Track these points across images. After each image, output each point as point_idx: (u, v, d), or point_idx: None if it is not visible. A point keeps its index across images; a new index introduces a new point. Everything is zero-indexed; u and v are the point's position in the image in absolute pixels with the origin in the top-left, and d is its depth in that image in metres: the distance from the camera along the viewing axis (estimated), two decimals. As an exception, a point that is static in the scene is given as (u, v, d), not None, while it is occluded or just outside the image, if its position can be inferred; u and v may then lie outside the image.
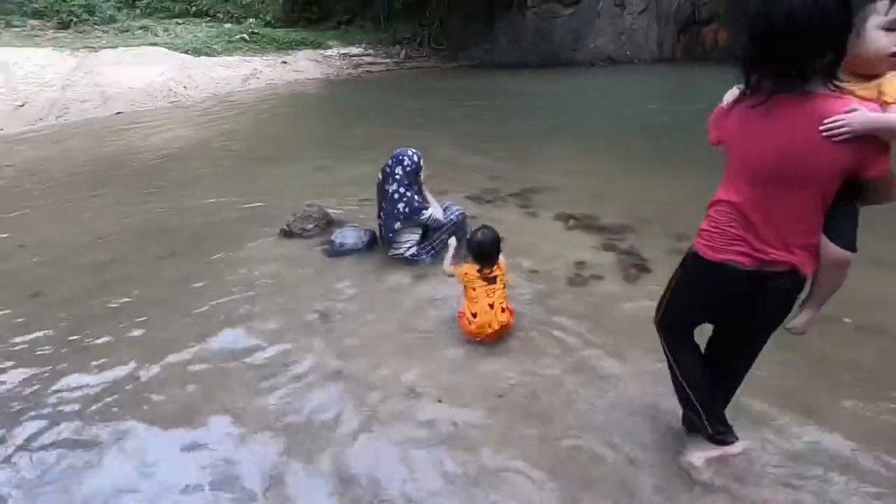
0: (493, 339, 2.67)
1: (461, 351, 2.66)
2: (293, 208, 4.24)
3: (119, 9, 17.42)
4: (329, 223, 4.11)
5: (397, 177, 3.41)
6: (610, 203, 4.65)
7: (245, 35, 16.99)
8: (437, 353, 2.65)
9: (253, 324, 2.93)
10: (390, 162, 3.45)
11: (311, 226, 4.00)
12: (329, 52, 17.08)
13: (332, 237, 3.78)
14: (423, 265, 3.50)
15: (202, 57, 14.76)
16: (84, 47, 14.66)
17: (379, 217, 3.61)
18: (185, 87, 11.74)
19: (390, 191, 3.43)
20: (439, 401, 2.31)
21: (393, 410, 2.27)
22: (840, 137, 1.26)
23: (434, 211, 3.48)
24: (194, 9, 18.27)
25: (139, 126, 8.62)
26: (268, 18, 18.67)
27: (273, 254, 3.79)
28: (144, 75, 11.80)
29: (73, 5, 16.49)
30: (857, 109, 1.25)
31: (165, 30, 17.27)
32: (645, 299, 2.94)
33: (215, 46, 16.02)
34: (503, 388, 2.38)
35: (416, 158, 3.46)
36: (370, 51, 17.87)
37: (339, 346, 2.72)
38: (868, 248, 1.68)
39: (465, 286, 2.74)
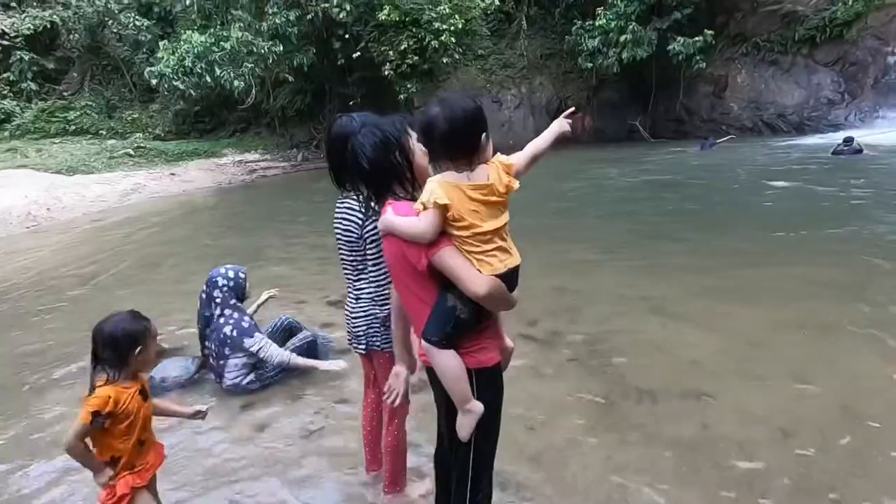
0: None
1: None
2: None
3: (-17, 133, 16.30)
4: (159, 354, 3.58)
5: (217, 300, 3.05)
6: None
7: (130, 150, 16.35)
8: None
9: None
10: (206, 285, 3.11)
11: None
12: (223, 161, 16.80)
13: (151, 374, 3.26)
14: (258, 393, 3.08)
15: (77, 175, 13.92)
16: (-64, 175, 13.34)
17: (204, 347, 3.18)
18: (48, 209, 10.79)
19: (214, 315, 3.07)
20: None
21: None
22: (381, 233, 1.50)
23: (262, 344, 3.10)
24: (73, 127, 17.49)
25: None
26: (157, 132, 18.26)
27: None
28: (2, 200, 10.79)
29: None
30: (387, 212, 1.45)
31: (38, 150, 16.25)
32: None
33: (95, 164, 15.22)
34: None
35: (232, 275, 3.12)
36: (267, 156, 17.83)
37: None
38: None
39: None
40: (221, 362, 3.06)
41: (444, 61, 15.89)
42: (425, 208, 1.32)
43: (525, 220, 8.03)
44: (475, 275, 1.33)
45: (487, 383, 1.45)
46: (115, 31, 18.69)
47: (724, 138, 14.08)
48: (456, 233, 1.34)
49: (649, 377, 2.95)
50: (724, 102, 16.18)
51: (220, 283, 3.06)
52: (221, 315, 3.05)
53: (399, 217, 1.40)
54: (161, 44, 14.59)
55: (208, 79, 13.96)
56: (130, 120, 18.45)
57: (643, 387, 2.85)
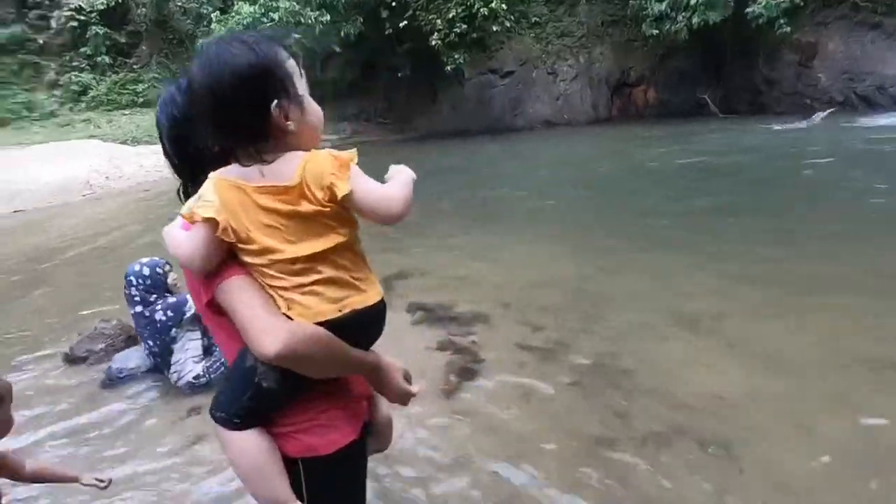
0: None
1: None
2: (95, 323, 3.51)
3: (62, 104, 17.29)
4: (129, 340, 3.37)
5: (136, 298, 2.78)
6: (479, 286, 4.03)
7: (189, 121, 16.90)
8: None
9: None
10: (124, 285, 2.82)
11: (100, 346, 3.24)
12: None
13: (111, 361, 3.04)
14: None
15: (140, 146, 14.48)
16: (18, 144, 14.30)
17: (147, 348, 2.91)
18: (107, 177, 11.24)
19: (139, 312, 2.79)
20: None
21: None
22: None
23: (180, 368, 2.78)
24: (141, 99, 18.22)
25: (27, 224, 7.99)
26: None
27: (45, 385, 3.04)
28: (67, 169, 11.33)
29: (13, 104, 16.33)
30: None
31: (109, 121, 17.11)
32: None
33: (156, 135, 15.83)
34: None
35: (147, 272, 2.82)
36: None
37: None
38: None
39: None
40: (168, 357, 2.77)
41: (495, 29, 14.94)
42: (192, 221, 0.87)
43: (554, 202, 7.53)
44: (264, 324, 0.85)
45: (325, 480, 0.96)
46: (179, 4, 19.10)
47: (826, 111, 12.01)
48: (247, 259, 0.89)
49: (661, 414, 2.33)
50: (812, 73, 14.08)
51: (133, 282, 2.77)
52: (147, 307, 2.75)
53: (172, 229, 0.96)
54: (213, 15, 14.67)
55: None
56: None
57: (650, 428, 2.25)
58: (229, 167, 0.89)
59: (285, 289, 0.88)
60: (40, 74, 17.98)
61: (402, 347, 3.06)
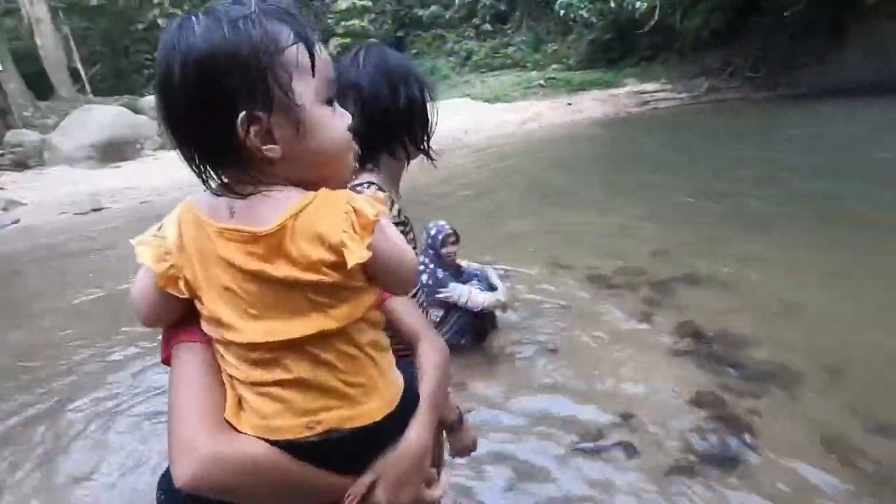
0: None
1: None
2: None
3: (452, 68, 20.98)
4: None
5: (421, 247, 3.00)
6: (797, 324, 2.81)
7: (542, 81, 17.98)
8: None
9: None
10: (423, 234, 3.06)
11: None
12: (620, 91, 16.28)
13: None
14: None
15: (498, 104, 16.34)
16: (419, 101, 18.25)
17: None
18: (466, 131, 13.20)
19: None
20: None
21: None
22: None
23: (462, 291, 2.87)
24: (509, 61, 20.33)
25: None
26: (570, 63, 19.18)
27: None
28: (443, 123, 13.88)
29: (422, 70, 20.88)
30: None
31: (482, 82, 19.86)
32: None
33: (514, 93, 17.51)
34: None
35: (433, 231, 3.01)
36: (668, 85, 16.16)
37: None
38: None
39: None
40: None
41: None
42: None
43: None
44: (185, 433, 0.61)
45: None
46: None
47: None
48: (203, 325, 0.65)
49: None
50: None
51: (422, 236, 2.98)
52: (421, 262, 2.98)
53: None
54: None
55: (612, 3, 13.22)
56: (551, 52, 19.98)
57: None
58: (207, 192, 0.65)
59: (238, 381, 0.63)
60: (443, 44, 22.21)
61: (640, 381, 2.47)
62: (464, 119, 14.04)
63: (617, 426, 2.25)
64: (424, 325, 0.91)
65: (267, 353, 0.61)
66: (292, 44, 0.59)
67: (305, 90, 0.60)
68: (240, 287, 0.61)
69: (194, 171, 0.63)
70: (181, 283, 0.63)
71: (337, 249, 0.58)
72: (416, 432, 0.72)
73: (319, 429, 0.63)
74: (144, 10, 18.43)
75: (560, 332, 3.09)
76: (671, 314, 3.10)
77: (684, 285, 3.43)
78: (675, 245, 4.15)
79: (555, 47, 20.13)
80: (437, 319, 2.97)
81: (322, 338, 0.62)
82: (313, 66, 0.61)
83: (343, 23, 20.04)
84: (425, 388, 0.78)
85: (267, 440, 0.62)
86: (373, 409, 0.66)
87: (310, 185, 0.63)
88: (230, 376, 0.65)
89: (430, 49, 22.12)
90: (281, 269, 0.59)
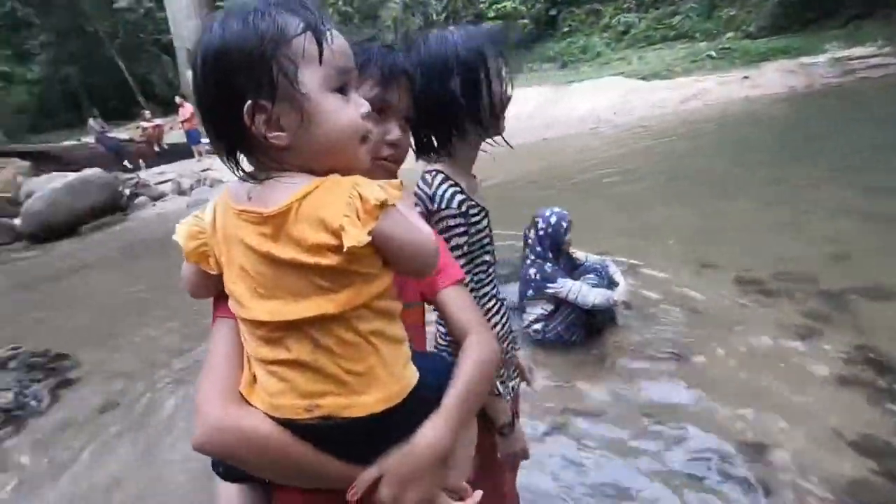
0: None
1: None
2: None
3: (607, 44, 19.59)
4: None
5: (529, 241, 2.85)
6: None
7: (713, 52, 15.85)
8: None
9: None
10: (528, 225, 2.88)
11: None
12: (814, 59, 13.57)
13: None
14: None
15: (654, 80, 14.87)
16: (567, 82, 17.57)
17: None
18: (615, 112, 12.28)
19: (526, 254, 2.89)
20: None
21: None
22: None
23: (572, 287, 2.67)
24: (673, 33, 18.27)
25: (530, 152, 9.80)
26: (749, 29, 16.53)
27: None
28: (589, 103, 13.12)
29: (574, 48, 19.84)
30: None
31: (639, 57, 18.23)
32: None
33: (675, 68, 15.74)
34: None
35: (553, 220, 2.78)
36: (885, 49, 13.00)
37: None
38: None
39: None
40: (523, 302, 2.92)
41: None
42: None
43: None
44: (204, 397, 0.67)
45: None
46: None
47: None
48: (229, 302, 0.71)
49: None
50: None
51: (538, 226, 2.81)
52: (528, 257, 2.85)
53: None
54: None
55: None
56: (727, 18, 17.41)
57: None
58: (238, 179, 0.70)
59: (253, 358, 0.67)
60: (598, 20, 20.83)
61: (786, 410, 2.07)
62: (613, 99, 13.10)
63: (746, 460, 1.92)
64: (475, 320, 0.86)
65: (272, 332, 0.64)
66: (300, 33, 0.61)
67: (311, 79, 0.62)
68: (252, 267, 0.64)
69: (223, 162, 0.68)
70: (212, 261, 0.70)
71: (337, 233, 0.60)
72: (432, 431, 0.69)
73: (318, 413, 0.64)
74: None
75: (691, 341, 2.73)
76: (843, 333, 2.52)
77: (866, 300, 2.76)
78: (858, 249, 3.34)
79: (731, 13, 17.49)
80: (546, 313, 2.84)
81: (322, 321, 0.63)
82: (321, 55, 0.62)
83: (494, 5, 20.00)
84: (454, 385, 0.74)
85: (271, 417, 0.66)
86: (370, 400, 0.65)
87: (320, 172, 0.64)
88: (248, 352, 0.69)
89: (583, 26, 20.93)
90: (285, 251, 0.61)
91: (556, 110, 13.43)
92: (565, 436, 2.19)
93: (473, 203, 1.08)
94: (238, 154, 0.67)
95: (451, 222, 1.01)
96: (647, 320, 2.98)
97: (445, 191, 1.03)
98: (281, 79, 0.60)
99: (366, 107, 0.68)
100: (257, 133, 0.62)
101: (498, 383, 1.09)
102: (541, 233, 2.85)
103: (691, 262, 3.58)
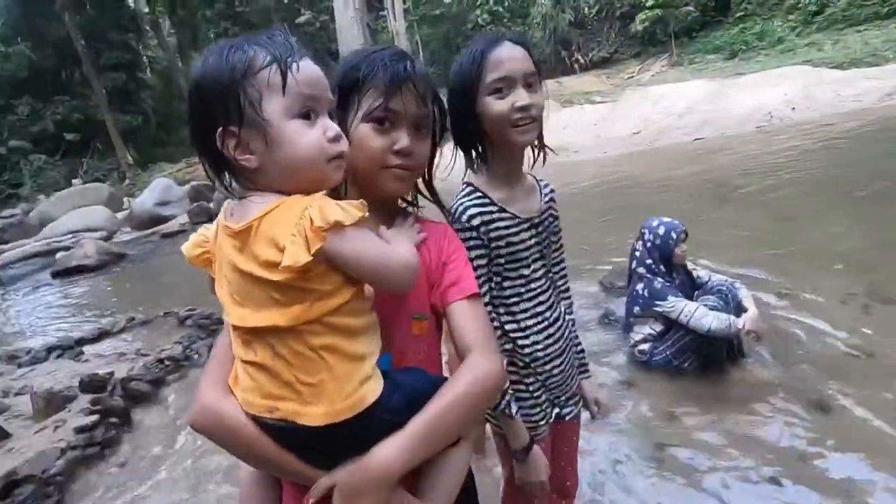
0: None
1: None
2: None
3: (792, 28, 16.78)
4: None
5: (637, 253, 2.55)
6: None
7: (943, 30, 12.61)
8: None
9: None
10: (637, 237, 2.58)
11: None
12: None
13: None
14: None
15: (852, 70, 12.35)
16: (734, 74, 15.52)
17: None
18: (792, 108, 10.49)
19: (634, 267, 2.60)
20: None
21: None
22: None
23: (685, 308, 2.34)
24: (886, 9, 14.94)
25: (676, 155, 8.75)
26: None
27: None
28: (758, 98, 11.40)
29: (748, 35, 17.36)
30: None
31: (835, 42, 15.31)
32: None
33: (886, 53, 12.88)
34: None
35: (662, 232, 2.43)
36: None
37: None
38: None
39: None
40: (630, 320, 2.66)
41: None
42: None
43: None
44: (203, 382, 0.76)
45: None
46: None
47: None
48: None
49: None
50: None
51: (645, 237, 2.53)
52: (635, 271, 2.58)
53: None
54: None
55: None
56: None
57: None
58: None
59: (238, 356, 0.73)
60: (783, 1, 17.94)
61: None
62: (791, 92, 11.20)
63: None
64: (481, 339, 0.82)
65: (243, 335, 0.71)
66: (266, 66, 0.67)
67: (274, 107, 0.68)
68: (228, 275, 0.71)
69: (210, 181, 0.77)
70: (215, 266, 0.77)
71: (282, 252, 0.63)
72: (385, 451, 0.70)
73: (277, 415, 0.69)
74: (471, 10, 21.12)
75: (843, 390, 2.23)
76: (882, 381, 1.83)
77: None
78: None
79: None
80: (655, 333, 2.55)
81: (277, 332, 0.67)
82: (284, 85, 0.67)
83: (654, -6, 18.45)
84: (427, 407, 0.72)
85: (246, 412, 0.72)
86: (317, 413, 0.67)
87: (289, 191, 0.69)
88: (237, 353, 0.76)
89: (762, 9, 18.19)
90: (247, 265, 0.68)
91: (714, 106, 11.92)
92: (659, 474, 1.95)
93: (505, 215, 1.05)
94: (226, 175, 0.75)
95: (463, 236, 0.99)
96: (792, 358, 2.49)
97: (461, 205, 1.03)
98: (247, 107, 0.67)
99: (333, 130, 0.71)
100: (229, 156, 0.69)
101: (512, 404, 1.02)
102: (648, 244, 2.56)
103: (859, 293, 2.89)
